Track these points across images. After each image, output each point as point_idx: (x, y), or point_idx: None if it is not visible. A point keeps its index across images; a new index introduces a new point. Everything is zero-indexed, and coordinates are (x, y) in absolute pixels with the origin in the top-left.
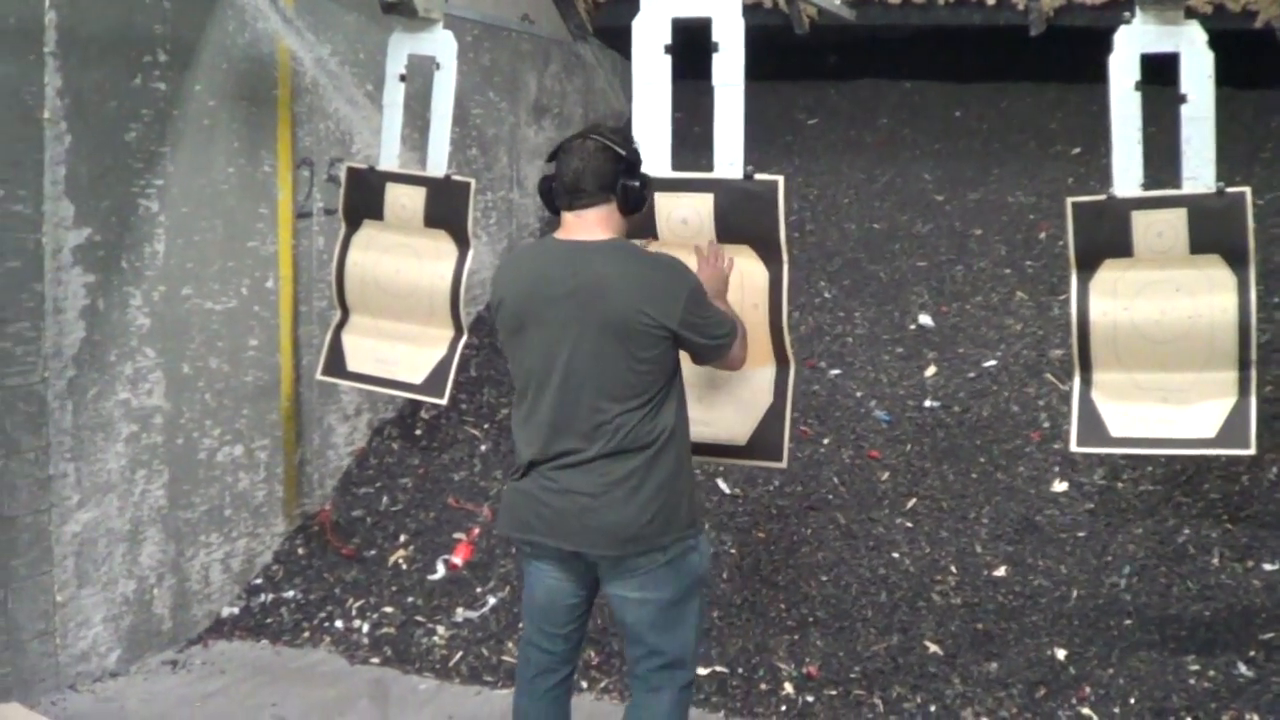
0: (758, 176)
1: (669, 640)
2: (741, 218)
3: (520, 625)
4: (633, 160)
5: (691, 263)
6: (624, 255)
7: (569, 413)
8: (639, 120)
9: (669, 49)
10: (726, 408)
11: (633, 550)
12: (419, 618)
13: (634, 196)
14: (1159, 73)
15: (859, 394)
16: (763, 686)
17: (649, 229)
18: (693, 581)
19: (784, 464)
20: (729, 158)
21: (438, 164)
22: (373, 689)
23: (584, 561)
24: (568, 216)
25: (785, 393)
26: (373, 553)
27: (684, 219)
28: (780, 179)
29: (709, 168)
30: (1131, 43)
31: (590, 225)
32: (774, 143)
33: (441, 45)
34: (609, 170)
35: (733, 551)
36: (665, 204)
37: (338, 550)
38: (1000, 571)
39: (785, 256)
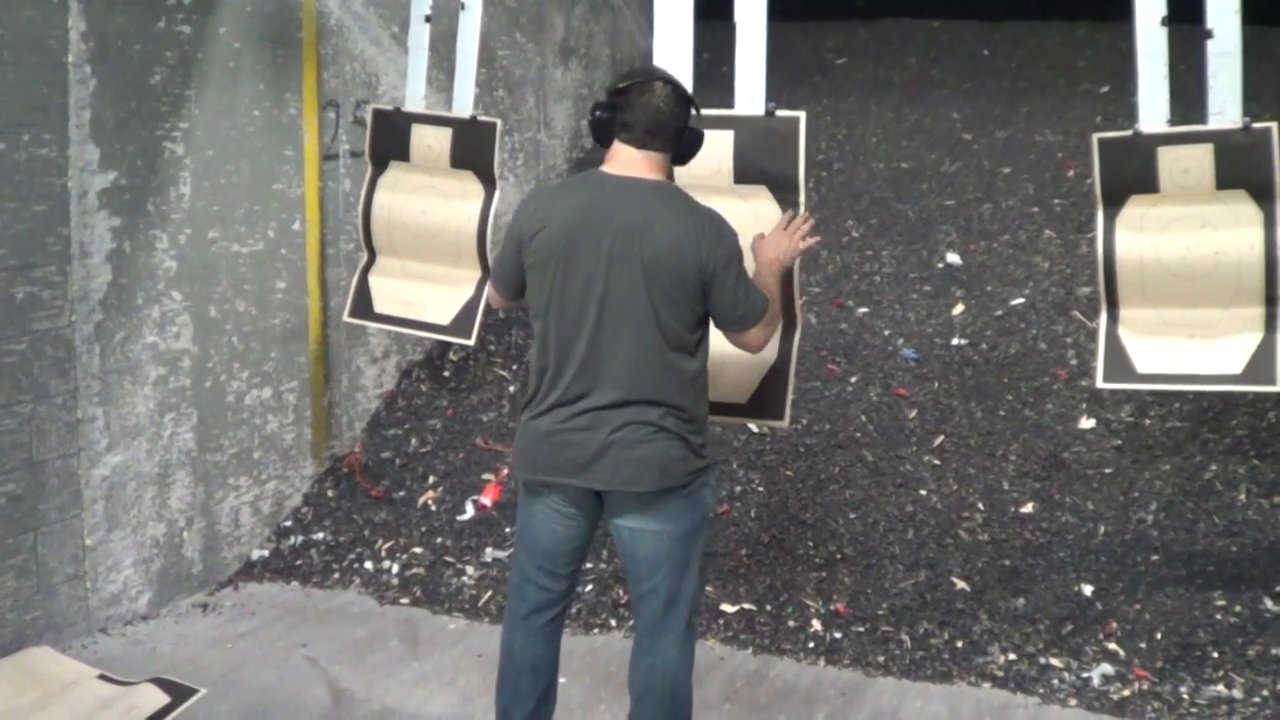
0: (779, 113)
1: (675, 576)
2: (761, 155)
3: None
4: (696, 113)
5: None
6: (675, 198)
7: (607, 351)
8: (660, 59)
9: None
10: (728, 367)
11: (665, 485)
12: (448, 558)
13: (690, 149)
14: (1187, 10)
15: (887, 332)
16: (790, 623)
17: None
18: (703, 515)
19: (786, 423)
20: (750, 94)
21: (463, 105)
22: (403, 629)
23: (597, 500)
24: (632, 153)
25: (790, 351)
26: (402, 494)
27: (703, 157)
28: (802, 114)
29: (733, 107)
30: None
31: (652, 166)
32: (802, 82)
33: None
34: (682, 122)
35: (760, 489)
36: None
37: (367, 492)
38: (1027, 508)
39: (802, 199)
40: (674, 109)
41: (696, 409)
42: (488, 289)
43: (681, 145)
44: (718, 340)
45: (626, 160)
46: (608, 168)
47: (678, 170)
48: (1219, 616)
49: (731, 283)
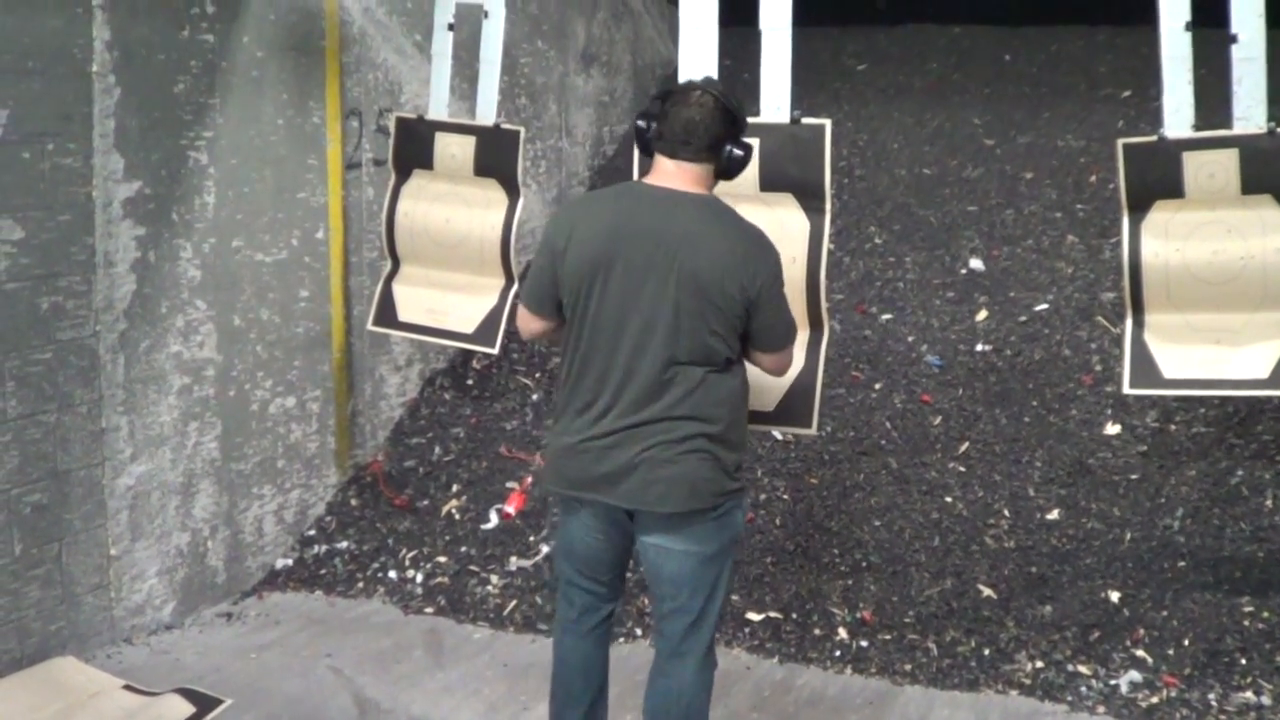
0: (805, 120)
1: (700, 597)
2: (787, 163)
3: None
4: (742, 127)
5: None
6: (719, 214)
7: (639, 365)
8: (685, 65)
9: None
10: (754, 374)
11: (693, 506)
12: (472, 567)
13: (736, 164)
14: (1210, 14)
15: (910, 339)
16: (817, 631)
17: None
18: (731, 537)
19: (813, 430)
20: (776, 102)
21: (487, 113)
22: (427, 638)
23: (628, 517)
24: (667, 164)
25: (817, 357)
26: (425, 503)
27: None
28: (828, 122)
29: (758, 114)
30: None
31: (689, 178)
32: (823, 88)
33: None
34: (720, 131)
35: (785, 497)
36: None
37: (390, 501)
38: (1053, 515)
39: (829, 206)
40: (709, 119)
41: (731, 429)
42: (520, 318)
43: (721, 157)
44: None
45: (664, 172)
46: (648, 179)
47: None
48: (1247, 623)
49: (774, 305)
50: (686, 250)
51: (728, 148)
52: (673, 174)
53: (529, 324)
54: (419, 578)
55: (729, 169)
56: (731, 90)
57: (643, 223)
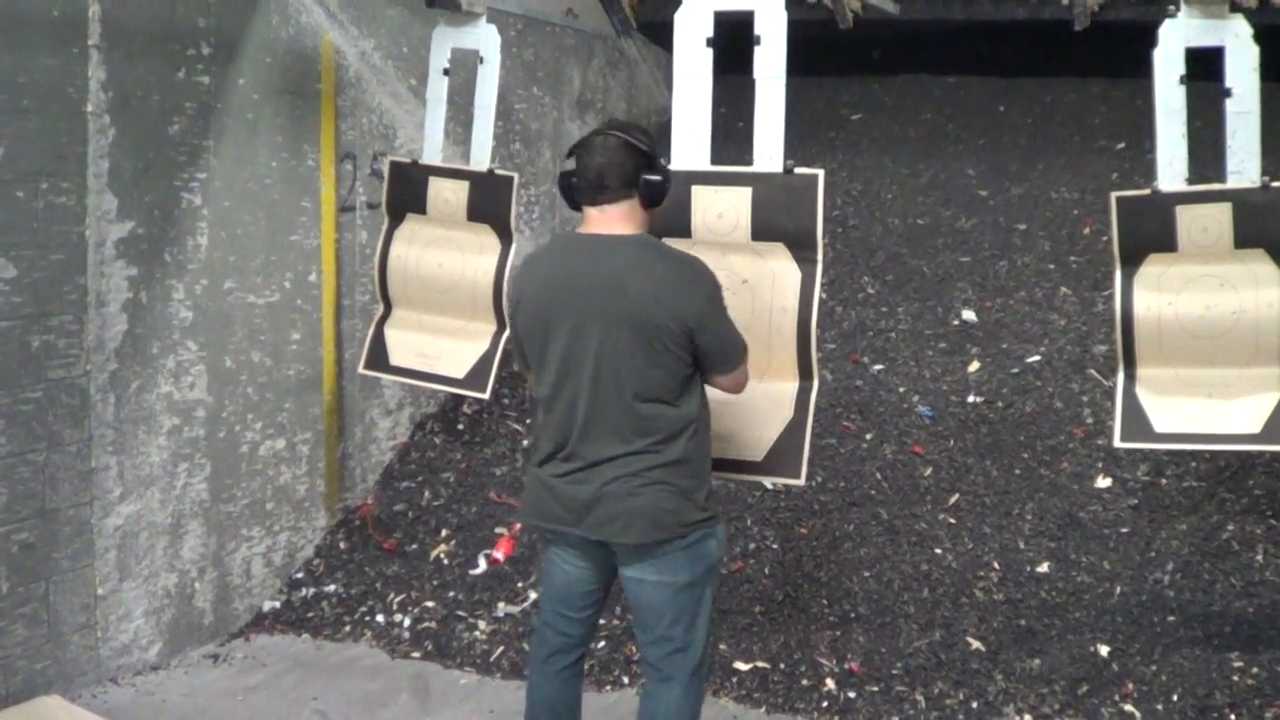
0: (798, 171)
1: (680, 625)
2: (779, 212)
3: None
4: (653, 155)
5: (721, 261)
6: (647, 251)
7: (593, 406)
8: (679, 113)
9: (710, 42)
10: (743, 424)
11: (656, 537)
12: (460, 612)
13: (656, 190)
14: (1204, 68)
15: (902, 389)
16: (804, 682)
17: (684, 223)
18: (707, 567)
19: (802, 481)
20: (769, 152)
21: (481, 158)
22: (414, 683)
23: (605, 549)
24: (591, 212)
25: (807, 407)
26: (414, 547)
27: (720, 213)
28: (820, 173)
29: (751, 163)
30: (1176, 36)
31: (613, 220)
32: (818, 138)
33: (485, 39)
34: (631, 166)
35: (775, 547)
36: (702, 198)
37: (379, 544)
38: (1043, 568)
39: (820, 256)
40: (616, 157)
41: (691, 459)
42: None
43: (639, 189)
44: (734, 398)
45: (591, 219)
46: (580, 229)
47: (697, 224)
48: (1236, 678)
49: (715, 328)
50: (618, 291)
51: (643, 178)
52: (598, 220)
53: (527, 376)
54: (406, 622)
55: (652, 197)
56: (642, 126)
57: (577, 272)
